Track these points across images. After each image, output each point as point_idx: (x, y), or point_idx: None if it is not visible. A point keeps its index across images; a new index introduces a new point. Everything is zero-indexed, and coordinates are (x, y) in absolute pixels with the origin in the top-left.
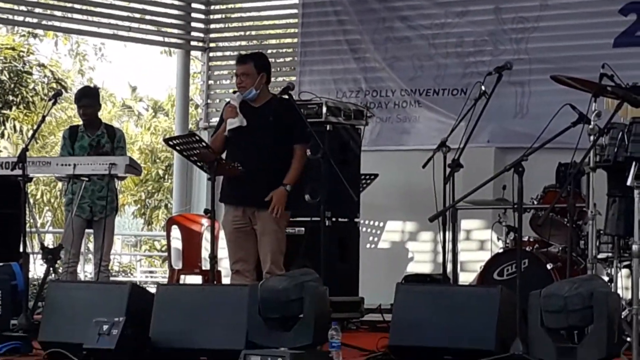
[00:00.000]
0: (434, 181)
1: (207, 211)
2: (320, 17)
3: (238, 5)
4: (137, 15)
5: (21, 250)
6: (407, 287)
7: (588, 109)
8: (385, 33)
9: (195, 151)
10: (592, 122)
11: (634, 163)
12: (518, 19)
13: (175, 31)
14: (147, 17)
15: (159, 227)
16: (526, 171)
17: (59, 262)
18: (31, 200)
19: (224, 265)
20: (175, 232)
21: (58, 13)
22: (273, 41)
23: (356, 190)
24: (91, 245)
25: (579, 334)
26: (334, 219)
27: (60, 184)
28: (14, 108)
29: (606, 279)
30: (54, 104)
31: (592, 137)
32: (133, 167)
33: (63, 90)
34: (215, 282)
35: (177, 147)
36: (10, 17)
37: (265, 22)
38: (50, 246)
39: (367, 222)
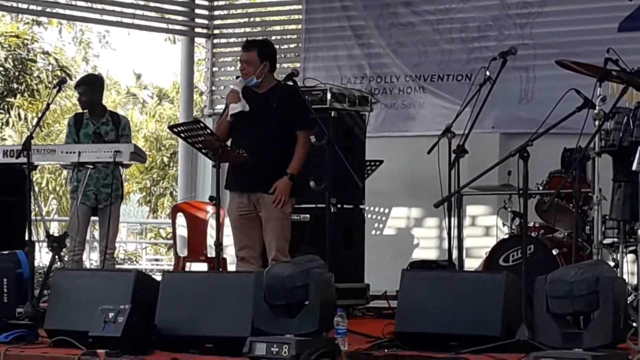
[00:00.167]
0: (439, 167)
1: (212, 198)
2: (324, 3)
3: None
4: (141, 3)
5: (26, 238)
6: (413, 273)
7: (593, 93)
8: (389, 19)
9: (200, 138)
10: (597, 107)
11: (639, 147)
12: (522, 4)
13: (180, 18)
14: (151, 4)
15: (164, 214)
16: (531, 156)
17: (64, 250)
18: (36, 188)
19: (230, 253)
20: (181, 219)
21: (62, 0)
22: (277, 27)
23: (361, 176)
24: (97, 233)
25: (584, 320)
26: (339, 206)
27: (65, 172)
28: (18, 96)
29: (612, 264)
30: (58, 91)
31: (597, 122)
32: (138, 155)
33: (67, 77)
34: (220, 270)
35: (182, 134)
36: (14, 4)
37: (269, 9)
38: (56, 234)
39: (372, 208)
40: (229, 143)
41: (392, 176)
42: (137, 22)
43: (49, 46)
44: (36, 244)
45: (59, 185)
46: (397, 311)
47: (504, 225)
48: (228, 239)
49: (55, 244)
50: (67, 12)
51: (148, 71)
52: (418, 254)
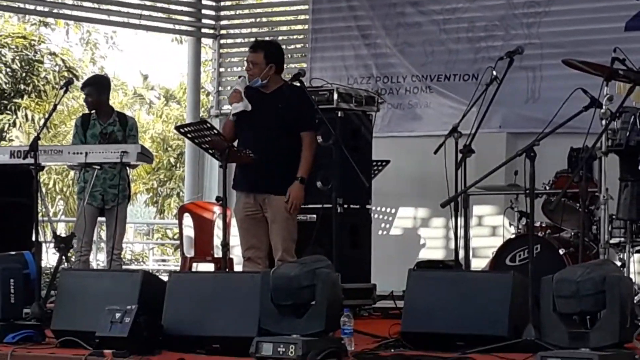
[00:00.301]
0: (445, 167)
1: (219, 199)
2: (331, 3)
3: None
4: (148, 3)
5: (33, 239)
6: (419, 273)
7: (600, 93)
8: (396, 19)
9: (207, 138)
10: (603, 106)
11: None
12: (529, 4)
13: (186, 19)
14: (158, 4)
15: (171, 215)
16: (538, 156)
17: (71, 250)
18: (43, 189)
19: (236, 253)
20: (188, 220)
21: (69, 1)
22: (284, 28)
23: (368, 176)
24: (103, 234)
25: (591, 319)
26: (345, 206)
27: (72, 173)
28: (25, 97)
29: (618, 263)
30: (65, 92)
31: (604, 122)
32: (145, 155)
33: (74, 78)
34: (227, 270)
35: (189, 135)
36: (22, 5)
37: (276, 9)
38: (63, 235)
39: (379, 208)
40: (235, 143)
41: (399, 176)
42: (144, 22)
43: (56, 47)
44: (43, 245)
45: (66, 186)
46: (403, 311)
47: (510, 225)
48: (235, 240)
49: (62, 244)
50: (74, 12)
51: (155, 72)
52: (425, 254)
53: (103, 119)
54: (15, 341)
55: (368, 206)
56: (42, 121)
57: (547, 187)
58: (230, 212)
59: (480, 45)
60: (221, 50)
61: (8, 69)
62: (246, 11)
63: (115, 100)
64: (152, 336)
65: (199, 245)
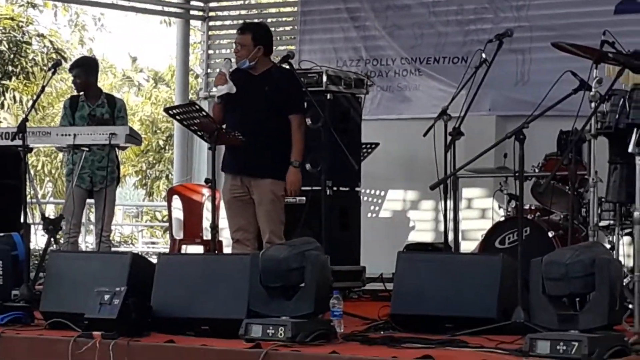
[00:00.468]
0: (435, 150)
1: (208, 181)
2: None
3: None
4: None
5: (22, 220)
6: (409, 255)
7: (589, 75)
8: (385, 1)
9: (196, 120)
10: (593, 89)
11: (635, 130)
12: None
13: (175, 0)
14: None
15: (160, 197)
16: (527, 139)
17: (59, 232)
18: (32, 171)
19: (225, 235)
20: (177, 202)
21: None
22: (273, 10)
23: (357, 159)
24: (92, 216)
25: (580, 302)
26: (335, 188)
27: (60, 155)
28: (13, 78)
29: (608, 246)
30: (53, 74)
31: (593, 104)
32: (133, 137)
33: (62, 60)
34: (216, 252)
35: (178, 117)
36: None
37: None
38: (51, 217)
39: (368, 191)
40: (224, 126)
41: (388, 159)
42: (132, 4)
43: (44, 29)
44: (32, 227)
45: (54, 168)
46: (393, 293)
47: (499, 207)
48: (224, 222)
49: (51, 226)
50: None
51: (144, 54)
52: (414, 237)
53: (91, 100)
54: (4, 323)
55: (357, 189)
56: (30, 103)
57: (537, 170)
58: (219, 195)
59: (469, 28)
60: (210, 33)
61: None
62: None
63: (104, 83)
64: (141, 318)
65: (188, 227)
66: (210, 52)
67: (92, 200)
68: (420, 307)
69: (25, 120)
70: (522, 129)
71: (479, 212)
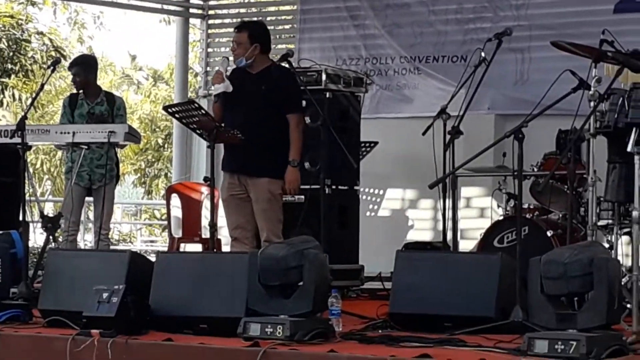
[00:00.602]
0: (434, 148)
1: (207, 179)
2: None
3: None
4: None
5: (21, 218)
6: (407, 254)
7: (588, 75)
8: (385, 0)
9: (195, 119)
10: (592, 88)
11: (634, 129)
12: None
13: None
14: None
15: (158, 195)
16: (526, 138)
17: (58, 230)
18: (30, 169)
19: (224, 234)
20: (175, 200)
21: None
22: (272, 8)
23: (356, 157)
24: (91, 214)
25: (579, 301)
26: (333, 187)
27: (59, 153)
28: (12, 76)
29: (606, 245)
30: (52, 72)
31: (592, 103)
32: (132, 135)
33: (62, 58)
34: (215, 250)
35: (177, 115)
36: None
37: None
38: (50, 215)
39: (367, 189)
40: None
41: (387, 157)
42: (131, 2)
43: (44, 27)
44: (30, 225)
45: (53, 166)
46: (391, 292)
47: (498, 206)
48: (223, 220)
49: (50, 224)
50: None
51: (143, 52)
52: (413, 235)
53: (91, 98)
54: (2, 321)
55: (356, 187)
56: (30, 101)
57: (535, 169)
58: (218, 193)
59: (469, 27)
60: (209, 31)
61: None
62: None
63: (103, 81)
64: (139, 316)
65: (186, 225)
66: (210, 50)
67: (91, 198)
68: (419, 306)
69: (25, 118)
70: (521, 128)
71: (478, 211)
